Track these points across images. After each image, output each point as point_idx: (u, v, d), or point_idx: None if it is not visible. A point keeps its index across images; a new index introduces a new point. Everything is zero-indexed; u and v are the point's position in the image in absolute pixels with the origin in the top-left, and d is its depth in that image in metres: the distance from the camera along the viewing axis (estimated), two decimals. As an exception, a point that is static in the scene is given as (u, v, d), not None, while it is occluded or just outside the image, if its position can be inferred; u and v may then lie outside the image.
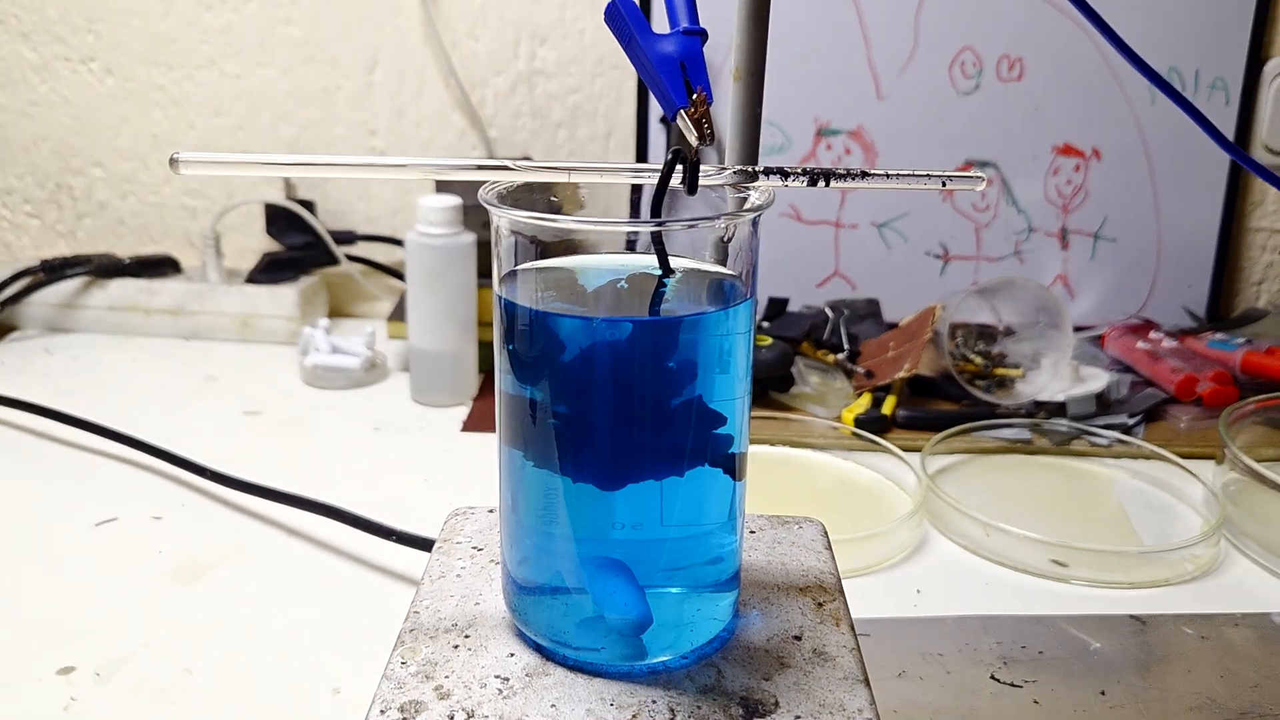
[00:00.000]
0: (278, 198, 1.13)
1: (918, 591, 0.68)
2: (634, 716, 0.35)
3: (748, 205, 0.37)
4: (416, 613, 0.41)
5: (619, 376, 0.35)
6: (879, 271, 1.15)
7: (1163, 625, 0.64)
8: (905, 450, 0.83)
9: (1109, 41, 0.46)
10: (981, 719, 0.55)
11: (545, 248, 0.37)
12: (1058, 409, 0.92)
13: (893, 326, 1.05)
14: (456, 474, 0.84)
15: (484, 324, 0.97)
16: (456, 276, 0.93)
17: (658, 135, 1.14)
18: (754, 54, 0.41)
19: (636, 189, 0.40)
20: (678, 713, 0.35)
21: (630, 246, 0.38)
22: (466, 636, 0.39)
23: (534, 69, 1.15)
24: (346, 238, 1.17)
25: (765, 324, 1.02)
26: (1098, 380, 0.96)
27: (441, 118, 1.16)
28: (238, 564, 0.70)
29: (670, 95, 0.36)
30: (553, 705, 0.36)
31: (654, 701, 0.36)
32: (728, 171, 0.38)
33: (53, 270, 1.12)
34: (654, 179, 0.36)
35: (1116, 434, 0.88)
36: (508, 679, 0.37)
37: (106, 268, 1.12)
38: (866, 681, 0.37)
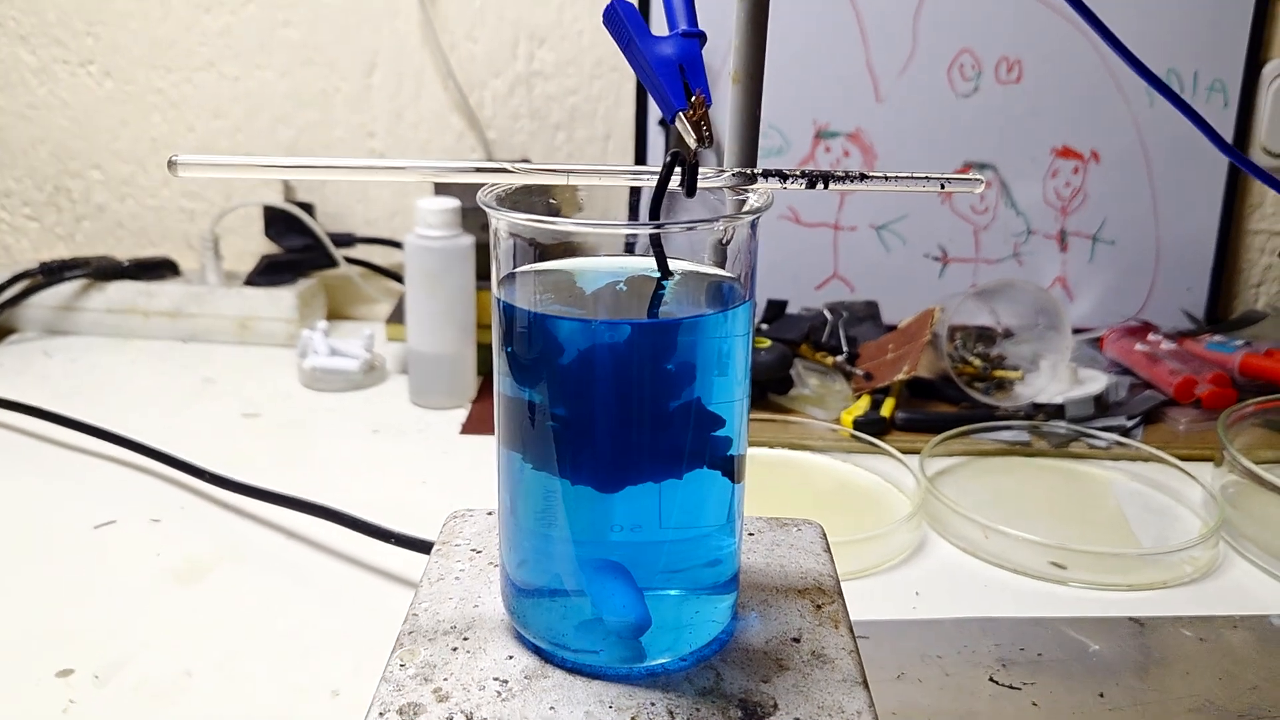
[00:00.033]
0: (276, 200, 1.14)
1: (916, 594, 0.68)
2: (633, 719, 0.35)
3: (746, 207, 0.37)
4: (415, 615, 0.41)
5: (618, 379, 0.35)
6: (878, 274, 1.16)
7: (1161, 627, 0.64)
8: (904, 452, 0.83)
9: (1107, 44, 0.46)
10: (980, 721, 0.55)
11: (544, 250, 0.37)
12: (1056, 411, 0.92)
13: (891, 329, 1.05)
14: (455, 476, 0.84)
15: (483, 326, 0.97)
16: (455, 279, 0.93)
17: (656, 137, 1.14)
18: (752, 56, 0.41)
19: (635, 191, 0.40)
20: (676, 715, 0.35)
21: (629, 249, 0.38)
22: (465, 639, 0.39)
23: (532, 71, 1.15)
24: (345, 240, 1.17)
25: (764, 326, 1.02)
26: (1096, 382, 0.96)
27: (440, 120, 1.16)
28: (236, 566, 0.70)
29: (669, 97, 0.36)
30: (551, 708, 0.36)
31: (653, 704, 0.36)
32: (726, 174, 0.38)
33: (51, 273, 1.12)
34: (653, 181, 0.36)
35: (1115, 436, 0.88)
36: (506, 681, 0.37)
37: (105, 270, 1.12)
38: (865, 684, 0.37)
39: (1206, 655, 0.61)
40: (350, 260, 1.17)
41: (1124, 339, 1.05)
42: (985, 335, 1.03)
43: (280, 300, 1.11)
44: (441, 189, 0.99)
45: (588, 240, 0.38)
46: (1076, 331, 1.06)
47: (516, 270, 0.37)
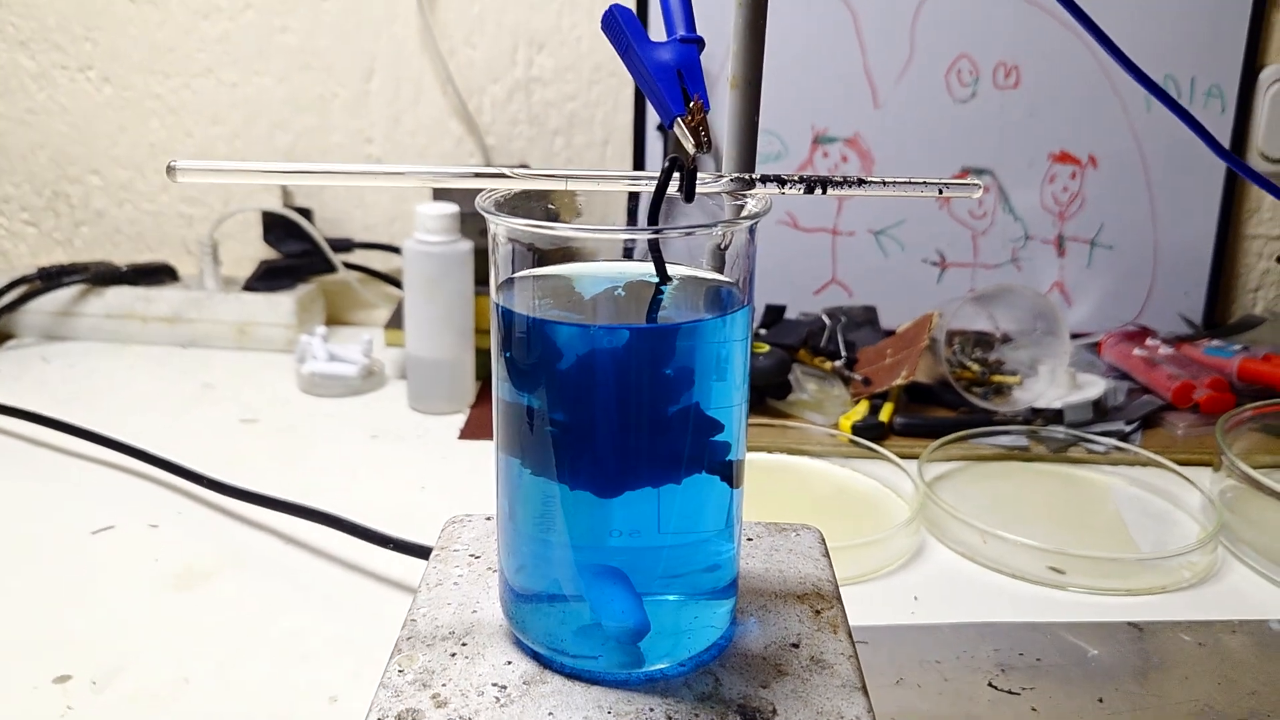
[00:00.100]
0: (275, 206, 1.14)
1: (915, 599, 0.68)
2: (631, 724, 0.35)
3: (745, 213, 0.37)
4: (413, 620, 0.41)
5: (616, 384, 0.35)
6: (876, 279, 1.16)
7: (1160, 632, 0.64)
8: (902, 457, 0.83)
9: (1105, 49, 0.47)
10: (979, 726, 0.55)
11: (542, 255, 0.37)
12: (1055, 416, 0.92)
13: (890, 334, 1.05)
14: (454, 481, 0.84)
15: (481, 331, 0.97)
16: (454, 284, 0.93)
17: (655, 143, 1.14)
18: (751, 62, 0.42)
19: (634, 196, 0.40)
20: (675, 721, 0.35)
21: (627, 254, 0.38)
22: (464, 644, 0.39)
23: (531, 76, 1.15)
24: (344, 245, 1.17)
25: (763, 331, 1.02)
26: (1095, 387, 0.96)
27: (438, 125, 1.16)
28: (234, 572, 0.69)
29: (667, 103, 0.36)
30: (550, 713, 0.35)
31: (651, 709, 0.36)
32: (725, 179, 0.38)
33: (50, 278, 1.12)
34: (651, 187, 0.36)
35: (1113, 441, 0.88)
36: (505, 687, 0.37)
37: (103, 275, 1.12)
38: (864, 689, 0.37)
39: (1205, 660, 0.61)
40: (349, 265, 1.17)
41: (1122, 344, 1.05)
42: (983, 340, 1.03)
43: (279, 305, 1.11)
44: (440, 194, 0.99)
45: (586, 245, 0.38)
46: (1074, 336, 1.06)
47: (515, 275, 0.37)
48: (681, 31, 0.37)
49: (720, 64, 1.07)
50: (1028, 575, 0.71)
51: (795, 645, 0.40)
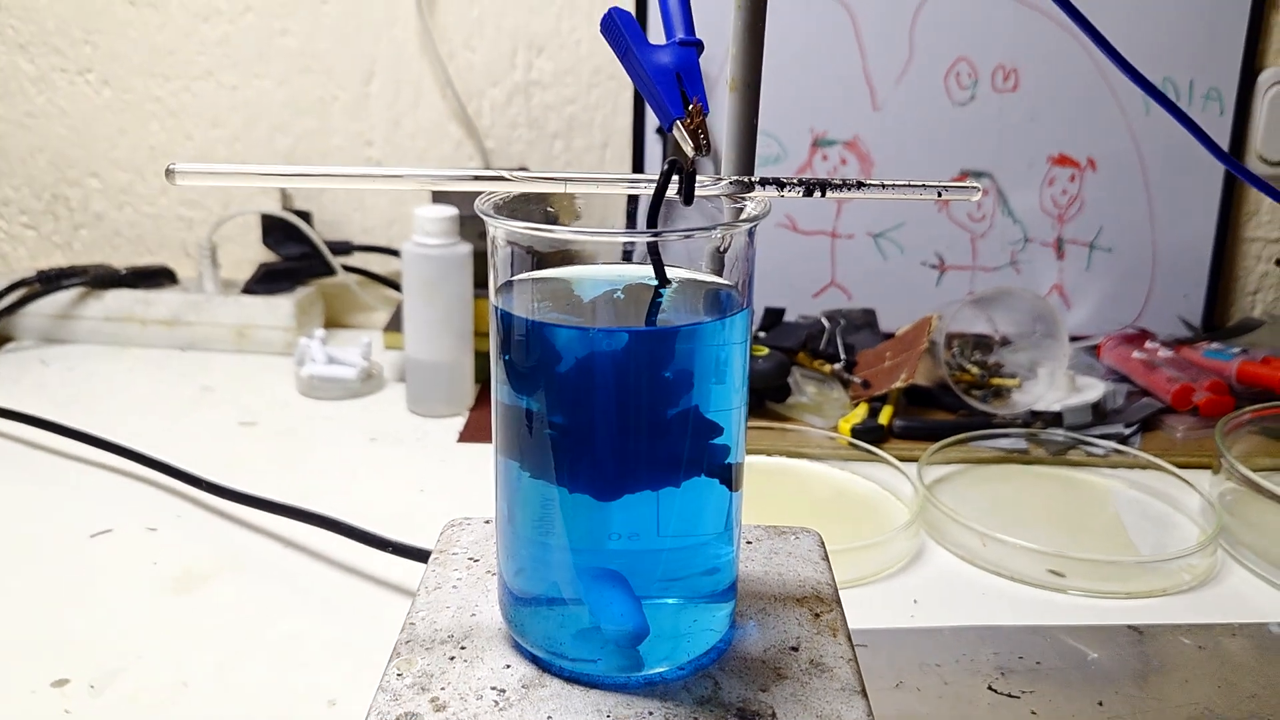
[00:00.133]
0: (274, 208, 1.14)
1: (915, 602, 0.68)
2: (631, 728, 0.35)
3: (744, 216, 0.37)
4: (412, 624, 0.41)
5: (615, 387, 0.35)
6: (875, 281, 1.16)
7: (1160, 635, 0.64)
8: (902, 460, 0.83)
9: (1103, 52, 0.47)
10: (979, 730, 0.55)
11: (542, 258, 0.37)
12: (1054, 419, 0.92)
13: (889, 336, 1.05)
14: (453, 485, 0.84)
15: (480, 334, 0.97)
16: (453, 287, 0.93)
17: (654, 146, 1.14)
18: (750, 65, 0.42)
19: (633, 199, 0.40)
20: (674, 724, 0.35)
21: (627, 257, 0.38)
22: (463, 648, 0.39)
23: (530, 80, 1.15)
24: (343, 248, 1.17)
25: (762, 334, 1.02)
26: (1094, 390, 0.96)
27: (438, 128, 1.16)
28: (233, 575, 0.69)
29: (666, 106, 0.36)
30: (549, 717, 0.35)
31: (650, 713, 0.36)
32: (724, 182, 0.38)
33: (49, 281, 1.12)
34: (650, 189, 0.36)
35: (1113, 444, 0.88)
36: (504, 690, 0.37)
37: (103, 278, 1.12)
38: (864, 692, 0.37)
39: (1205, 663, 0.61)
40: (348, 268, 1.17)
41: (1121, 346, 1.05)
42: (983, 343, 1.03)
43: (278, 308, 1.11)
44: (439, 197, 0.99)
45: (585, 248, 0.38)
46: (1074, 339, 1.06)
47: (514, 278, 0.37)
48: (680, 34, 0.37)
49: (719, 67, 1.07)
50: (1027, 578, 0.71)
51: (794, 648, 0.40)
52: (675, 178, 0.36)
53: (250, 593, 0.68)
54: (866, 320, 1.10)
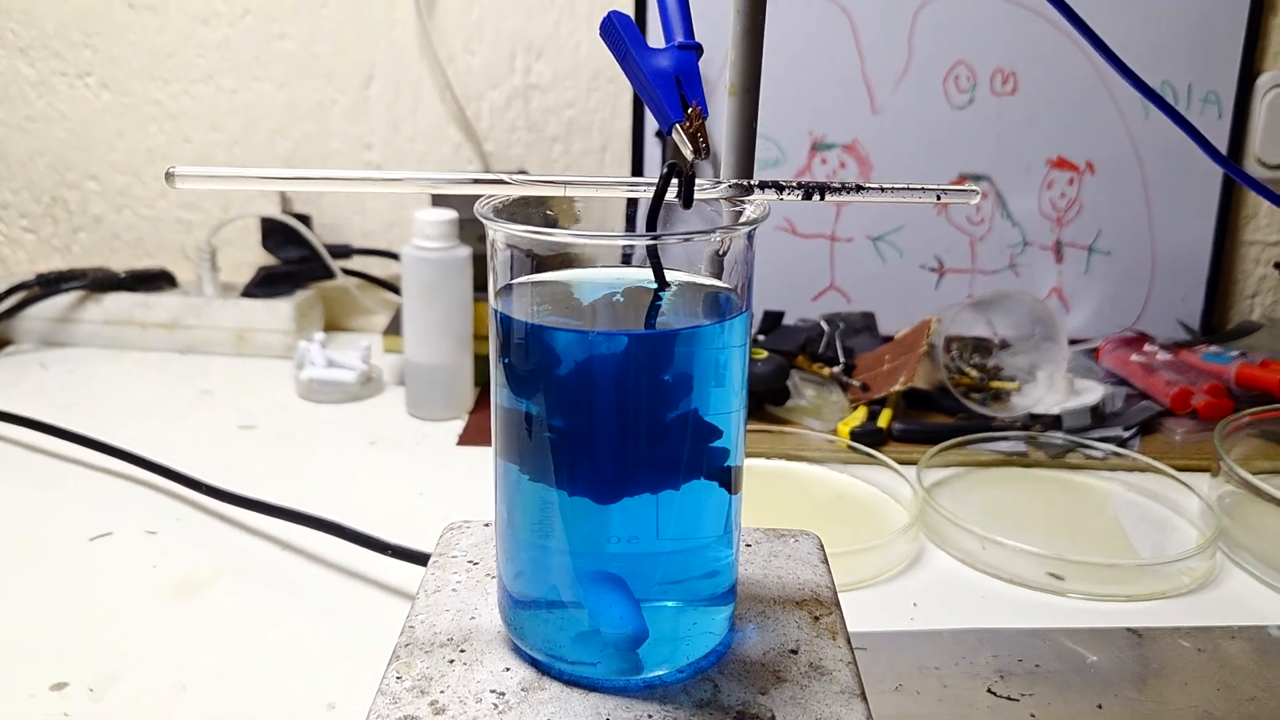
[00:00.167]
0: (273, 212, 1.14)
1: (914, 605, 0.68)
2: (630, 731, 0.35)
3: (743, 219, 0.37)
4: (412, 627, 0.41)
5: (615, 390, 0.35)
6: (874, 285, 1.16)
7: (1159, 638, 0.64)
8: (901, 463, 0.83)
9: (1102, 56, 0.47)
10: (978, 733, 0.55)
11: (541, 261, 0.37)
12: (1053, 422, 0.92)
13: (888, 340, 1.05)
14: (452, 488, 0.84)
15: (480, 338, 0.97)
16: (452, 290, 0.93)
17: (653, 149, 1.14)
18: (749, 68, 0.42)
19: (632, 203, 0.40)
20: (674, 727, 0.35)
21: (626, 260, 0.38)
22: (462, 651, 0.39)
23: (529, 83, 1.15)
24: (342, 251, 1.17)
25: (761, 337, 1.02)
26: (1093, 393, 0.96)
27: (437, 132, 1.17)
28: (232, 579, 0.69)
29: (665, 109, 0.36)
30: (548, 720, 0.35)
31: (650, 716, 0.36)
32: (723, 185, 0.38)
33: (48, 284, 1.12)
34: (649, 193, 0.36)
35: (1112, 447, 0.88)
36: (503, 694, 0.37)
37: (102, 282, 1.12)
38: (863, 695, 0.37)
39: (1205, 666, 0.61)
40: (347, 272, 1.17)
41: (1120, 349, 1.05)
42: (982, 346, 1.04)
43: (277, 312, 1.11)
44: (439, 200, 1.00)
45: (585, 251, 0.38)
46: (1073, 342, 1.06)
47: (513, 281, 0.37)
48: (680, 38, 0.37)
49: (719, 70, 1.07)
50: (1026, 581, 0.71)
51: (794, 651, 0.40)
52: (674, 181, 0.36)
53: (250, 596, 0.68)
54: (865, 323, 1.10)
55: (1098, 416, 0.93)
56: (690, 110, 0.36)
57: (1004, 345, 1.03)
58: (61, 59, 1.16)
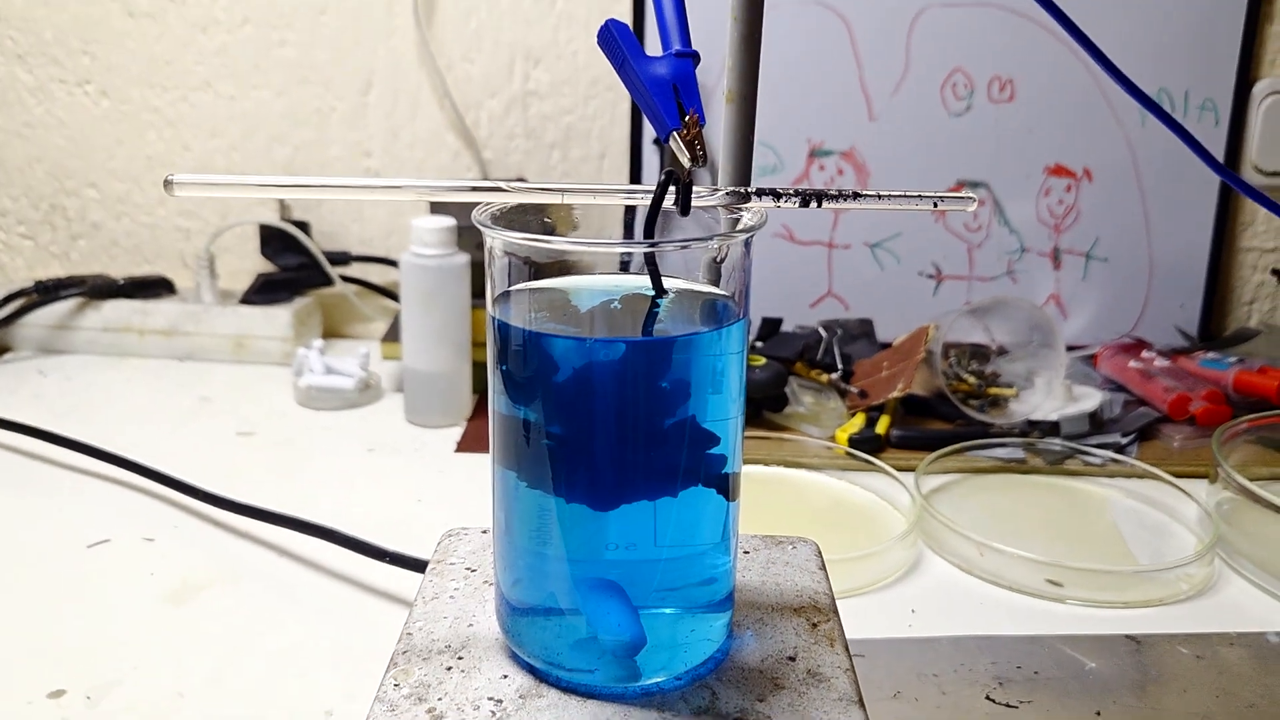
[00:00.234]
0: (272, 219, 1.14)
1: (912, 612, 0.68)
2: (628, 738, 0.35)
3: (740, 226, 0.38)
4: (409, 634, 0.41)
5: (613, 397, 0.35)
6: (872, 291, 1.16)
7: (1158, 645, 0.64)
8: (899, 470, 0.83)
9: (1099, 63, 0.47)
10: (977, 740, 0.55)
11: (539, 268, 0.37)
12: (1051, 428, 0.92)
13: (886, 346, 1.05)
14: (450, 495, 0.84)
15: (478, 345, 0.97)
16: (450, 297, 0.93)
17: (651, 156, 1.15)
18: (746, 76, 0.42)
19: (630, 210, 0.40)
20: (672, 734, 0.35)
21: (624, 267, 0.38)
22: (460, 658, 0.39)
23: (528, 91, 1.15)
24: (341, 258, 1.17)
25: (759, 344, 1.02)
26: (1091, 399, 0.96)
27: (436, 139, 1.17)
28: (230, 585, 0.69)
29: (663, 117, 0.36)
30: (546, 727, 0.35)
31: (648, 723, 0.36)
32: (720, 192, 0.38)
33: (47, 291, 1.12)
34: (647, 200, 0.36)
35: (1110, 453, 0.88)
36: (501, 701, 0.37)
37: (100, 289, 1.12)
38: (861, 703, 0.37)
39: (1203, 673, 0.61)
40: (346, 279, 1.17)
41: (1118, 356, 1.05)
42: (980, 353, 1.04)
43: (276, 319, 1.11)
44: (437, 208, 1.00)
45: (583, 258, 0.38)
46: (1070, 349, 1.06)
47: (511, 288, 0.37)
48: (677, 46, 0.37)
49: (716, 78, 1.08)
50: (1025, 588, 0.71)
51: (792, 659, 0.40)
52: (672, 188, 0.36)
53: (247, 603, 0.67)
54: (863, 330, 1.10)
55: (1096, 423, 0.93)
56: (688, 118, 0.36)
57: (1002, 352, 1.03)
58: (60, 66, 1.16)
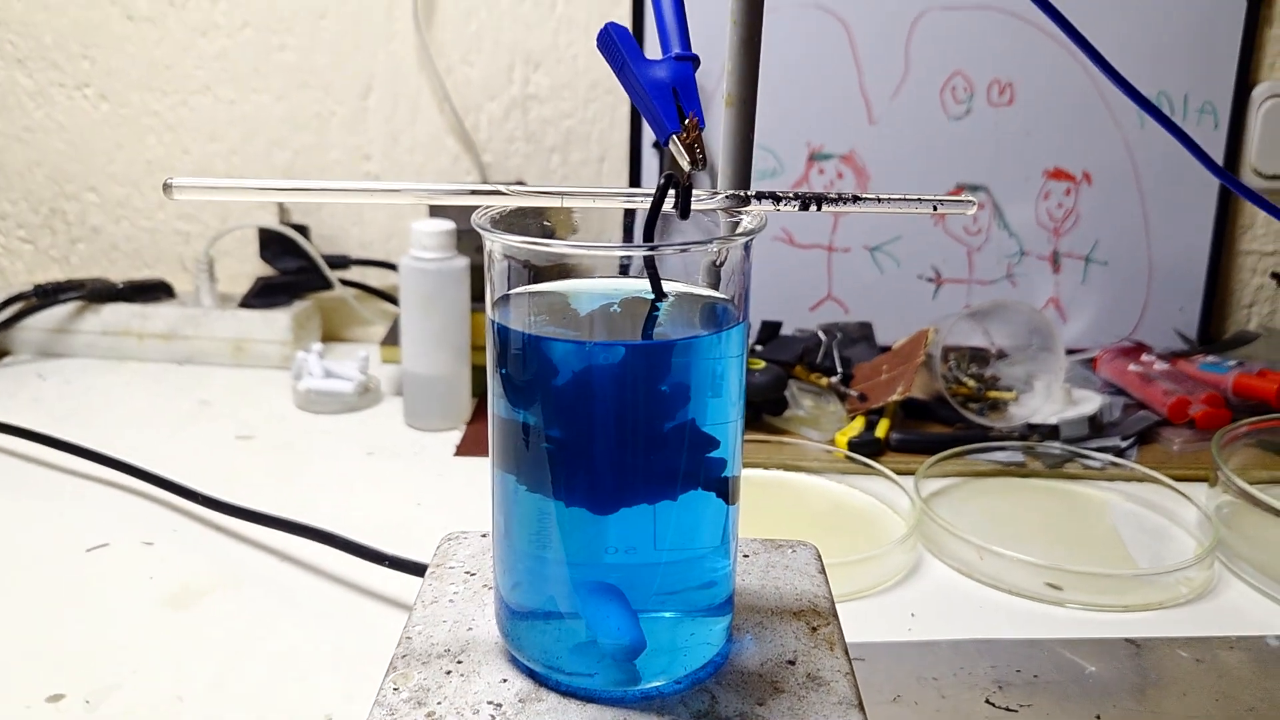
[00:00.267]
0: (271, 222, 1.14)
1: (912, 615, 0.68)
2: (628, 742, 0.35)
3: (740, 229, 0.38)
4: (409, 638, 0.41)
5: (612, 400, 0.35)
6: (872, 295, 1.16)
7: (1157, 649, 0.64)
8: (899, 473, 0.83)
9: (1098, 67, 0.47)
10: (977, 744, 0.55)
11: (538, 272, 0.37)
12: (1051, 432, 0.92)
13: (886, 350, 1.05)
14: (449, 498, 0.84)
15: (477, 348, 0.97)
16: (450, 301, 0.93)
17: (651, 160, 1.15)
18: (746, 79, 0.42)
19: (629, 213, 0.40)
20: (671, 738, 0.35)
21: (623, 271, 0.38)
22: (459, 662, 0.39)
23: (527, 94, 1.15)
24: (340, 262, 1.17)
25: (758, 347, 1.02)
26: (1090, 403, 0.96)
27: (436, 143, 1.17)
28: (229, 589, 0.69)
29: (662, 120, 0.36)
30: (546, 731, 0.35)
31: (648, 727, 0.36)
32: (720, 196, 0.38)
33: (46, 295, 1.12)
34: (647, 203, 0.36)
35: (1109, 456, 0.88)
36: (500, 705, 0.37)
37: (100, 292, 1.12)
38: (861, 706, 0.37)
39: (1203, 676, 0.61)
40: (345, 282, 1.17)
41: (1117, 359, 1.05)
42: (979, 356, 1.04)
43: (275, 322, 1.11)
44: (436, 211, 1.00)
45: (582, 262, 0.38)
46: (1070, 352, 1.06)
47: (511, 292, 0.37)
48: (677, 49, 0.37)
49: (715, 81, 1.08)
50: (1025, 591, 0.71)
51: (791, 662, 0.40)
52: (671, 192, 0.36)
53: (247, 607, 0.67)
54: (863, 333, 1.10)
55: (1095, 426, 0.93)
56: (687, 121, 0.36)
57: (1001, 355, 1.03)
58: (60, 70, 1.17)
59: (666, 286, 0.37)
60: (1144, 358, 1.05)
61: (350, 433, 0.95)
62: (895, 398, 0.92)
